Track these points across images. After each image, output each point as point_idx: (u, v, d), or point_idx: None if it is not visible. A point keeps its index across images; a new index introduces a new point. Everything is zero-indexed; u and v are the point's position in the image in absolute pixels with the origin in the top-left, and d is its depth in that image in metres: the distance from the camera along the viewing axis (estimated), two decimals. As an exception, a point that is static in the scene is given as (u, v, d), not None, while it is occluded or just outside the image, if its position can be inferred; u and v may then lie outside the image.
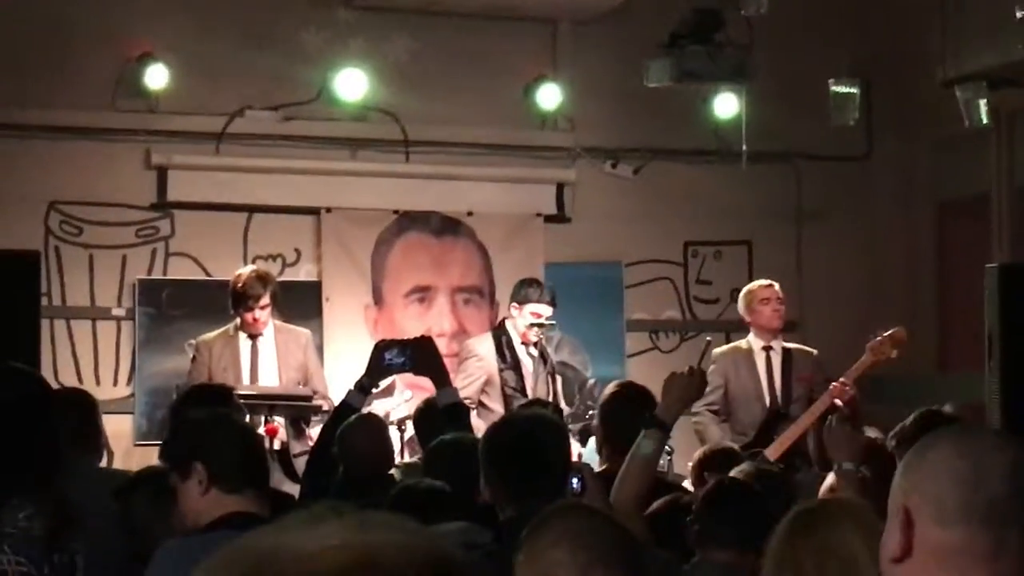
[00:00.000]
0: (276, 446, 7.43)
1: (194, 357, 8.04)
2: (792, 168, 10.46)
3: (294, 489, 6.56)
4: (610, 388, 5.76)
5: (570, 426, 6.86)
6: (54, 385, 5.26)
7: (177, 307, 9.27)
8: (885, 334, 7.81)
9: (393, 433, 7.37)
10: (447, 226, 9.87)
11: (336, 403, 7.84)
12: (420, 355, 5.55)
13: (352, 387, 5.62)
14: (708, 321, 10.14)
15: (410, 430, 7.58)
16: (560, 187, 10.16)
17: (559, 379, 8.35)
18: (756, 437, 7.68)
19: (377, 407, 7.75)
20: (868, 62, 10.10)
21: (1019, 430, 6.41)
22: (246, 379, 7.87)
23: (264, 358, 8.00)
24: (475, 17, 9.86)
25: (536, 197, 10.10)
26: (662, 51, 7.97)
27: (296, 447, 7.61)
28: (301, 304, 9.22)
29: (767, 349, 8.11)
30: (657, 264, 10.36)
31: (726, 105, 9.70)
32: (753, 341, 8.17)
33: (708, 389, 7.66)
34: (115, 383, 9.26)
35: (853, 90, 9.35)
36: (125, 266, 9.35)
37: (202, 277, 9.40)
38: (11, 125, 9.07)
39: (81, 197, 9.28)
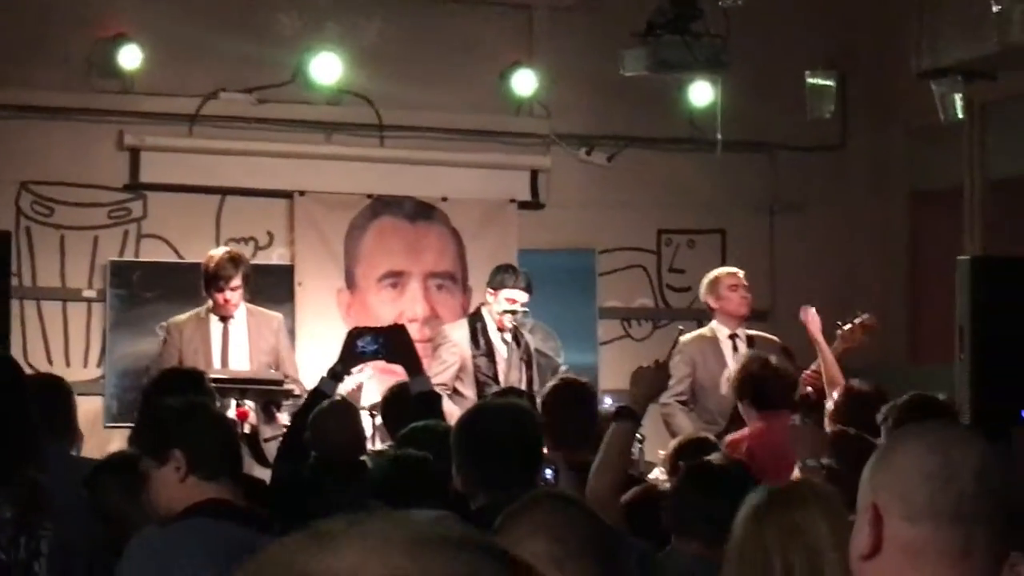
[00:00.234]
0: (246, 430, 7.41)
1: (165, 339, 8.00)
2: (766, 157, 10.47)
3: (264, 473, 6.55)
4: (551, 382, 5.83)
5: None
6: (24, 367, 5.23)
7: (149, 289, 9.23)
8: (856, 321, 7.86)
9: (365, 419, 7.36)
10: (421, 211, 9.85)
11: (308, 387, 7.88)
12: (393, 343, 5.55)
13: (324, 374, 5.62)
14: (681, 309, 10.14)
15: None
16: (534, 174, 10.15)
17: (534, 366, 8.33)
18: (728, 425, 7.69)
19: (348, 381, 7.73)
20: (843, 53, 10.13)
21: (990, 422, 6.45)
22: (217, 362, 7.85)
23: (235, 341, 7.98)
24: (451, 2, 9.85)
25: (510, 183, 10.09)
26: (638, 40, 7.96)
27: (267, 431, 7.59)
28: (273, 288, 9.19)
29: (733, 337, 8.11)
30: (630, 252, 10.36)
31: (701, 94, 9.70)
32: (718, 329, 8.15)
33: (675, 379, 7.73)
34: (85, 364, 9.23)
35: (829, 83, 9.37)
36: (97, 247, 9.30)
37: (174, 259, 9.37)
38: (-16, 105, 9.03)
39: (53, 178, 9.23)
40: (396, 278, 9.77)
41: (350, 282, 9.68)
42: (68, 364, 9.04)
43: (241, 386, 7.56)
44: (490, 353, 8.10)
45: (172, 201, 9.45)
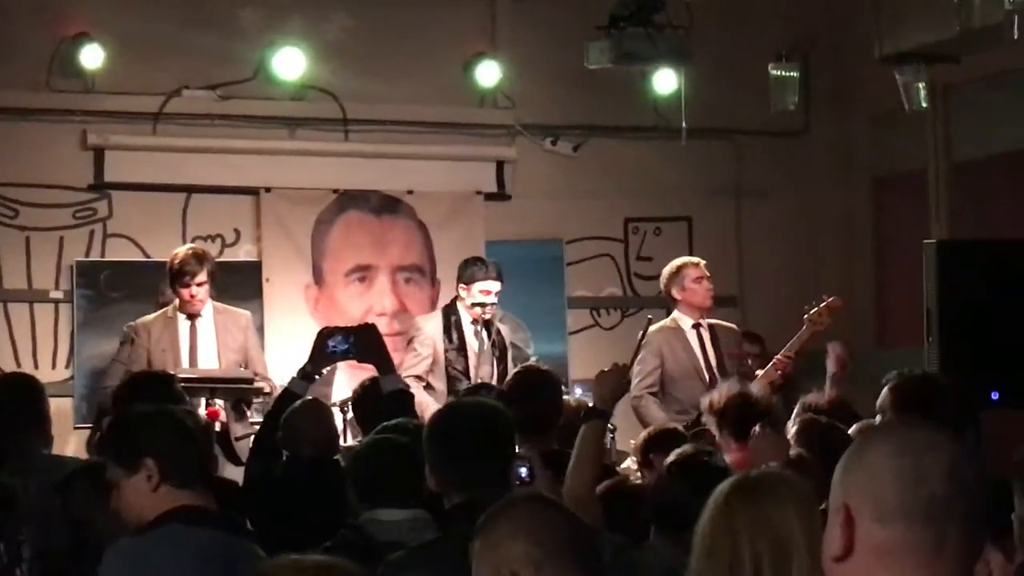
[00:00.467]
0: (216, 428, 7.41)
1: (132, 340, 7.95)
2: (731, 144, 10.49)
3: (236, 472, 6.55)
4: (512, 371, 5.86)
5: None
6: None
7: (116, 289, 9.20)
8: (821, 304, 7.91)
9: (336, 415, 7.36)
10: (387, 205, 9.84)
11: (277, 384, 7.88)
12: (364, 342, 5.55)
13: (295, 374, 5.62)
14: (649, 297, 10.15)
15: (351, 411, 7.56)
16: (500, 165, 10.15)
17: (510, 360, 8.32)
18: (700, 415, 7.71)
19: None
20: (805, 39, 10.15)
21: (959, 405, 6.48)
22: (185, 361, 7.84)
23: (203, 340, 7.97)
24: (413, -6, 9.83)
25: (476, 175, 10.09)
26: (601, 32, 7.97)
27: (238, 430, 7.60)
28: (241, 285, 9.19)
29: (697, 327, 8.12)
30: (598, 241, 10.38)
31: (665, 82, 9.70)
32: (681, 319, 8.12)
33: (646, 371, 7.76)
34: (54, 366, 9.18)
35: (793, 74, 9.40)
36: (62, 248, 9.26)
37: (141, 258, 9.33)
38: (-56, 106, 8.98)
39: (17, 179, 9.17)
40: (364, 272, 9.77)
41: (318, 277, 9.67)
42: (36, 366, 8.99)
43: (211, 385, 7.55)
44: (462, 347, 8.11)
45: (137, 200, 9.41)
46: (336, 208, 9.73)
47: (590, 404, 4.66)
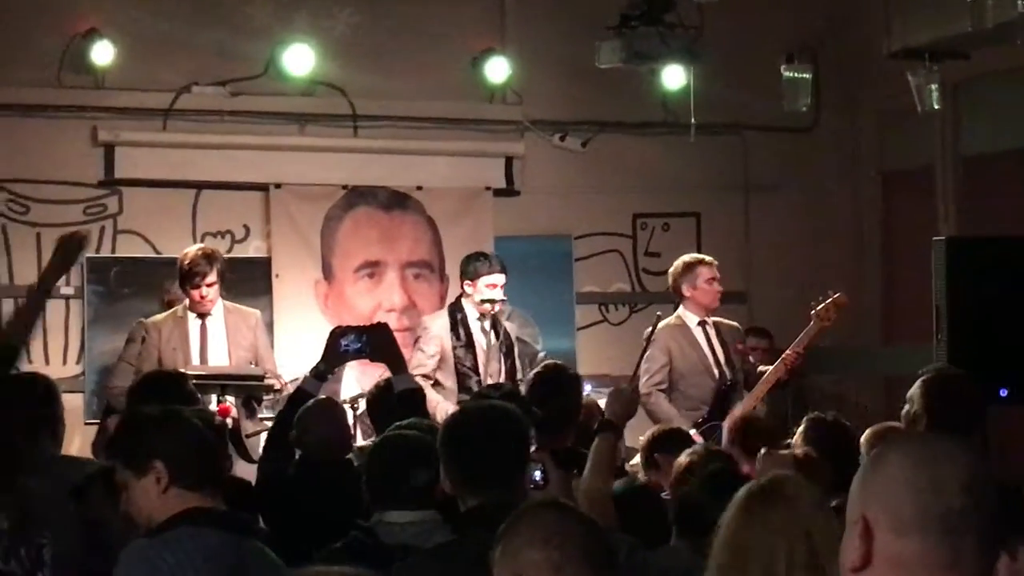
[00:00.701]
0: (228, 425, 7.43)
1: (142, 339, 7.95)
2: (739, 140, 10.50)
3: (247, 469, 6.57)
4: (535, 369, 5.89)
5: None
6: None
7: (126, 285, 9.25)
8: (828, 300, 7.93)
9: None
10: (396, 201, 9.86)
11: (287, 380, 7.91)
12: (376, 341, 5.56)
13: (308, 373, 5.64)
14: (657, 293, 10.15)
15: (361, 407, 7.59)
16: (509, 161, 10.17)
17: (516, 356, 8.34)
18: (711, 411, 7.75)
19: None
20: (814, 35, 10.16)
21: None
22: (195, 359, 7.86)
23: (213, 338, 7.99)
24: (422, -10, 9.85)
25: (485, 171, 10.11)
26: (612, 32, 7.97)
27: (248, 427, 7.62)
28: (251, 281, 9.22)
29: (703, 324, 8.11)
30: (606, 236, 10.40)
31: (674, 78, 9.71)
32: (687, 316, 8.09)
33: (654, 368, 7.77)
34: (64, 362, 9.23)
35: (805, 75, 9.40)
36: (73, 244, 9.28)
37: (151, 255, 9.37)
38: (-45, 104, 9.01)
39: (28, 175, 9.21)
40: (373, 268, 9.79)
41: (327, 273, 9.70)
42: (47, 362, 9.04)
43: (222, 382, 7.57)
44: (470, 344, 8.12)
45: (148, 196, 9.44)
46: (345, 204, 9.76)
47: (602, 408, 4.70)
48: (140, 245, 9.42)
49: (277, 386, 7.79)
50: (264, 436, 6.35)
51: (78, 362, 9.24)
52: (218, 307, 7.97)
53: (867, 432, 5.65)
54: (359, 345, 5.51)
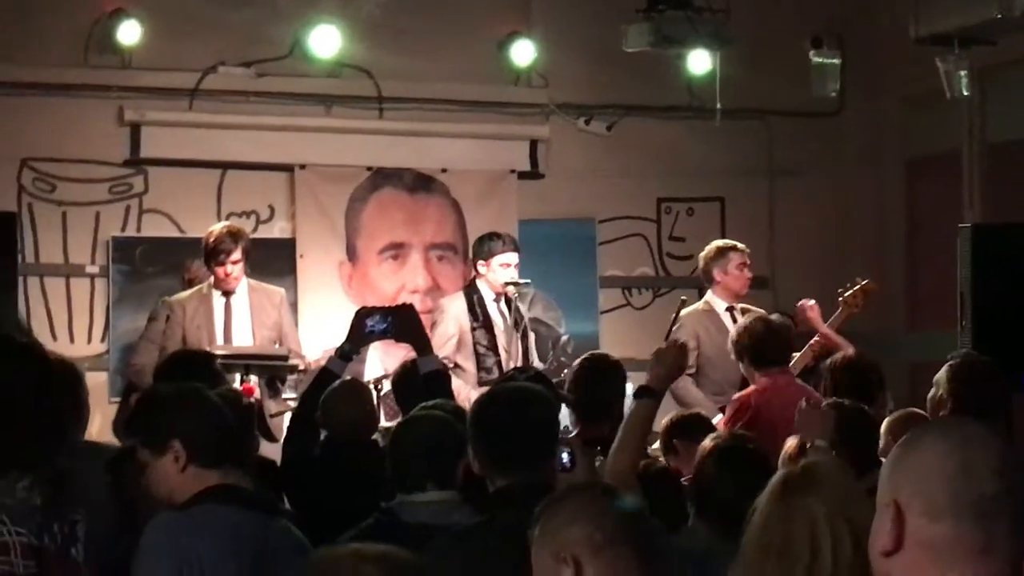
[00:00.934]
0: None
1: (167, 317, 7.96)
2: (764, 125, 10.48)
3: (267, 448, 6.59)
4: (580, 359, 5.86)
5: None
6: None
7: (151, 264, 9.28)
8: (856, 287, 7.93)
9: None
10: (421, 183, 9.87)
11: (311, 360, 7.93)
12: (402, 322, 5.58)
13: (333, 354, 5.65)
14: (681, 277, 10.18)
15: (385, 388, 7.60)
16: (534, 144, 10.17)
17: (531, 336, 8.37)
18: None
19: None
20: (840, 19, 10.13)
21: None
22: (219, 338, 7.88)
23: (238, 317, 8.01)
24: (448, -28, 9.84)
25: (510, 153, 10.11)
26: (640, 15, 7.96)
27: (272, 407, 7.63)
28: (275, 261, 9.24)
29: (730, 309, 8.11)
30: (630, 220, 10.39)
31: (700, 62, 9.68)
32: (715, 302, 8.10)
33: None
34: (89, 340, 9.27)
35: (834, 61, 9.37)
36: (99, 223, 9.33)
37: (176, 234, 9.40)
38: (-18, 82, 9.04)
39: (54, 154, 9.25)
40: (397, 250, 9.81)
41: (351, 254, 9.72)
42: (72, 340, 9.09)
43: (246, 362, 7.58)
44: (487, 325, 8.13)
45: (173, 176, 9.47)
46: (370, 185, 9.77)
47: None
48: (165, 225, 9.45)
49: (301, 366, 7.80)
50: (287, 416, 6.37)
51: (102, 340, 9.28)
52: (242, 285, 7.99)
53: (888, 418, 5.66)
54: (384, 326, 5.53)
